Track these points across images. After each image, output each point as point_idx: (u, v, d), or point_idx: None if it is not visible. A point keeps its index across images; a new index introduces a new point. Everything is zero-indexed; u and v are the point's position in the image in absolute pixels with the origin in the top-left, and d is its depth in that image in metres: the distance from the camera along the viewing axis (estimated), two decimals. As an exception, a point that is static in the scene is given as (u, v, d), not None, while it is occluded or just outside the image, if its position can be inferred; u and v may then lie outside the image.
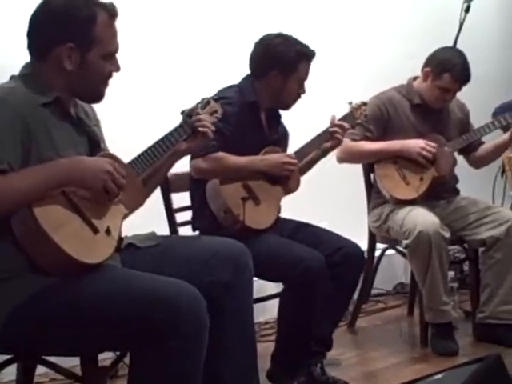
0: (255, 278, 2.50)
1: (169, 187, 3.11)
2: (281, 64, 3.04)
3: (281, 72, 3.05)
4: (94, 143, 2.28)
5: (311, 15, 4.34)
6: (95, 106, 2.37)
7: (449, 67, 3.55)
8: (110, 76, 2.22)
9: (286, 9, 4.21)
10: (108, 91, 2.25)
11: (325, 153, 3.21)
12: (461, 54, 3.63)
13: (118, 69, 2.22)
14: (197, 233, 3.11)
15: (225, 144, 2.94)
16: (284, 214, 3.22)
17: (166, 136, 2.37)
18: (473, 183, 3.98)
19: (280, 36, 3.07)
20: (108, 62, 2.19)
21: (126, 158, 2.26)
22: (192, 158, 2.96)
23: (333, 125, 3.14)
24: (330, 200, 4.12)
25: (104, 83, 2.22)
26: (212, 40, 3.94)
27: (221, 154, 2.96)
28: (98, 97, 2.25)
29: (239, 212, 2.91)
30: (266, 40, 3.09)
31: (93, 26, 2.14)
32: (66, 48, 2.13)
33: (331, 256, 3.01)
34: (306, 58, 3.06)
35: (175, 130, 2.41)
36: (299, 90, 3.10)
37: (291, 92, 3.09)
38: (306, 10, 4.32)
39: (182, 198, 3.19)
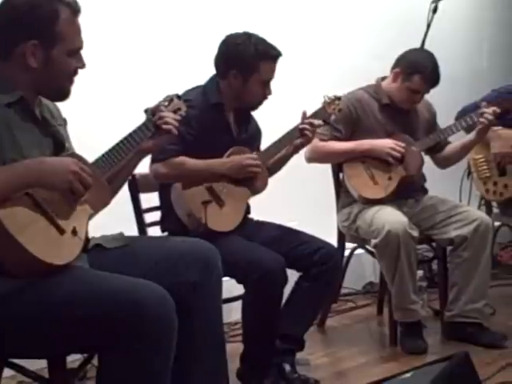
0: (224, 279, 2.48)
1: (137, 187, 3.08)
2: (239, 63, 3.01)
3: (240, 72, 3.02)
4: (59, 143, 2.25)
5: (283, 15, 4.35)
6: (62, 104, 2.34)
7: (419, 69, 3.56)
8: (75, 73, 2.20)
9: (258, 8, 4.20)
10: (75, 90, 2.23)
11: (296, 149, 3.19)
12: (431, 56, 3.64)
13: (83, 65, 2.20)
14: (165, 234, 3.10)
15: (185, 148, 2.92)
16: (254, 214, 3.21)
17: (130, 134, 2.34)
18: (440, 183, 4.01)
19: (244, 35, 3.03)
20: (73, 59, 2.17)
21: (93, 157, 2.23)
22: (152, 163, 2.94)
23: (302, 122, 3.13)
24: (299, 200, 4.13)
25: (69, 80, 2.20)
26: (178, 39, 3.91)
27: (180, 158, 2.94)
28: (64, 94, 2.23)
29: (201, 216, 2.90)
30: (229, 38, 3.06)
31: (55, 23, 2.11)
32: (29, 45, 2.10)
33: (311, 255, 3.04)
34: (268, 58, 3.01)
35: (139, 128, 2.38)
36: (264, 91, 3.06)
37: (254, 93, 3.06)
38: (277, 10, 4.33)
39: (151, 199, 3.17)
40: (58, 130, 2.29)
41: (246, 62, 3.00)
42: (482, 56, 5.78)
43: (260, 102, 3.10)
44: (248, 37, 3.02)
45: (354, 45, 4.74)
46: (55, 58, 2.14)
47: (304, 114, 3.15)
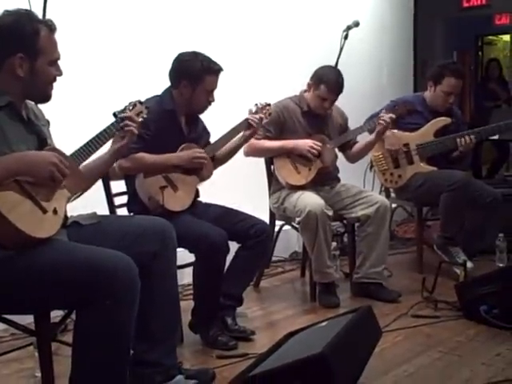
0: (178, 249, 2.45)
1: (108, 176, 3.02)
2: (188, 76, 2.97)
3: (189, 83, 2.97)
4: (42, 140, 2.20)
5: (229, 39, 4.30)
6: (47, 109, 2.29)
7: (325, 80, 3.57)
8: (54, 80, 2.16)
9: (209, 34, 4.12)
10: (57, 97, 2.19)
11: (246, 140, 3.18)
12: (335, 71, 3.65)
13: (61, 73, 2.17)
14: (131, 214, 3.05)
15: (145, 146, 2.87)
16: (202, 197, 3.18)
17: (100, 133, 2.29)
18: (350, 174, 4.03)
19: (192, 53, 2.99)
20: (53, 68, 2.13)
21: (70, 150, 2.19)
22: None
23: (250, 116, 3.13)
24: (239, 186, 4.09)
25: (50, 86, 2.16)
26: (140, 56, 3.82)
27: (140, 154, 2.89)
28: (46, 97, 2.18)
29: (159, 198, 2.87)
30: (180, 56, 3.02)
31: (37, 39, 2.08)
32: (17, 58, 2.06)
33: (249, 230, 3.01)
34: (211, 71, 2.97)
35: (108, 127, 2.32)
36: (209, 99, 3.02)
37: (200, 100, 3.01)
38: (224, 34, 4.28)
39: (119, 185, 3.10)
40: (42, 129, 2.23)
41: (193, 74, 2.96)
42: (383, 74, 5.83)
43: (205, 107, 3.06)
44: (195, 54, 2.98)
45: (283, 64, 4.73)
46: (39, 68, 2.09)
47: (250, 111, 3.16)
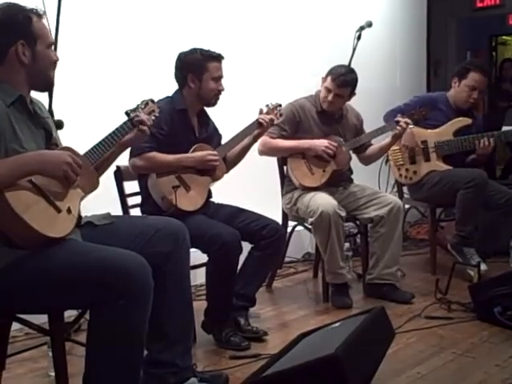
0: (191, 250, 2.45)
1: (121, 176, 3.03)
2: (192, 68, 2.99)
3: (195, 75, 2.99)
4: (48, 133, 2.21)
5: (242, 43, 4.28)
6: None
7: (332, 72, 3.59)
8: (55, 64, 2.18)
9: (225, 34, 4.12)
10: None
11: (255, 139, 3.17)
12: (347, 67, 3.64)
13: (57, 58, 2.19)
14: (145, 215, 3.05)
15: (157, 145, 2.89)
16: (215, 198, 3.19)
17: (113, 132, 2.30)
18: (363, 173, 4.02)
19: (191, 49, 3.01)
20: (51, 51, 2.16)
21: (84, 149, 2.20)
22: (130, 157, 2.90)
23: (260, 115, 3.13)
24: (252, 186, 4.09)
25: (53, 71, 2.18)
26: (153, 54, 3.82)
27: (153, 153, 2.90)
28: (49, 83, 2.20)
29: (172, 197, 2.87)
30: (180, 54, 3.04)
31: (31, 24, 2.10)
32: (19, 45, 2.07)
33: (261, 230, 3.01)
34: (212, 58, 2.98)
35: (120, 126, 2.34)
36: (218, 88, 3.02)
37: (209, 89, 3.00)
38: (237, 39, 4.25)
39: (133, 186, 3.11)
40: (47, 121, 2.24)
41: (197, 65, 2.98)
42: (396, 75, 5.81)
43: (216, 97, 3.05)
44: (194, 49, 3.01)
45: (295, 64, 4.72)
46: (40, 53, 2.12)
47: (261, 110, 3.16)
